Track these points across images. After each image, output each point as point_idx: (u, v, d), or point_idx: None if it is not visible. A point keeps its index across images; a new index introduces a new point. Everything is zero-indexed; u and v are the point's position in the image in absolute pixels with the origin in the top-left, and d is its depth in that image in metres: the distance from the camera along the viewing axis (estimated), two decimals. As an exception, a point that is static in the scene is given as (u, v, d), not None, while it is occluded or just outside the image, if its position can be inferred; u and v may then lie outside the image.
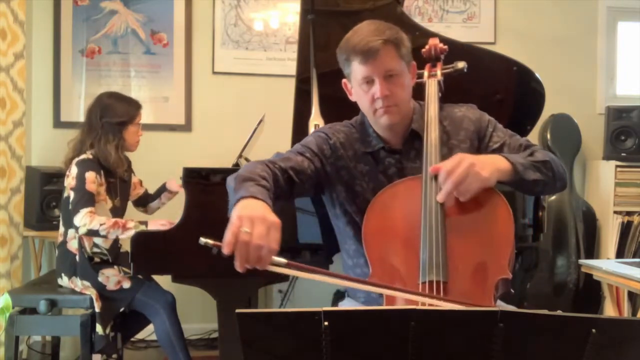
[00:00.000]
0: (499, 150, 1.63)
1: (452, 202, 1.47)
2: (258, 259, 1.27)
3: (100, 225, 2.50)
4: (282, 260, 1.29)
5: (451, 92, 1.79)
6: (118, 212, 2.73)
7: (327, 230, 2.17)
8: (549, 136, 3.87)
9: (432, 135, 1.60)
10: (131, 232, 2.47)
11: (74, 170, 2.60)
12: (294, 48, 3.52)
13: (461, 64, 1.84)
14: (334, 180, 1.65)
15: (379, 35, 1.54)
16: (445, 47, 1.84)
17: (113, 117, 2.69)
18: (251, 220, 1.27)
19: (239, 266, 1.27)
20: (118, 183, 2.76)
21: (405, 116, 1.64)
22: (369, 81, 1.57)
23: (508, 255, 1.44)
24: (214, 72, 3.81)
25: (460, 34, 3.87)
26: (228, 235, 1.26)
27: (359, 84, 1.59)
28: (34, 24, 3.61)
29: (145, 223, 2.53)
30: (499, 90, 2.54)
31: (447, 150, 1.62)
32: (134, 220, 2.57)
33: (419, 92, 1.74)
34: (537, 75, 2.67)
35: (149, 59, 3.75)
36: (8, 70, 3.23)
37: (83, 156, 2.64)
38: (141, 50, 3.75)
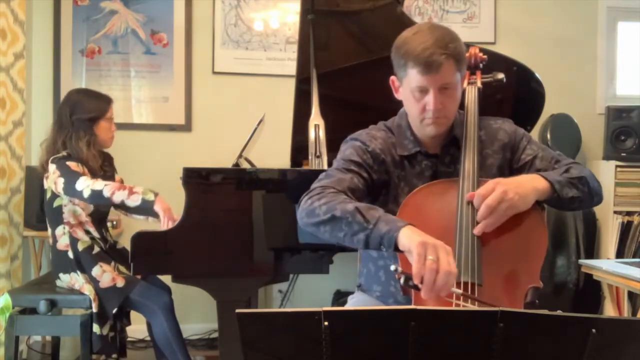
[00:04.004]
0: (530, 163, 1.64)
1: None
2: (444, 285, 1.29)
3: (105, 185, 2.46)
4: (459, 290, 1.32)
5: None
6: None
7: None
8: (549, 136, 3.86)
9: (470, 142, 1.61)
10: (138, 198, 2.44)
11: (52, 167, 2.58)
12: (294, 48, 3.52)
13: (500, 75, 1.86)
14: (379, 186, 1.66)
15: (443, 49, 1.51)
16: (485, 56, 1.85)
17: (83, 113, 2.64)
18: (435, 248, 1.30)
19: (426, 293, 1.30)
20: (100, 179, 2.69)
21: (449, 126, 1.66)
22: (423, 90, 1.56)
23: (540, 264, 1.46)
24: (214, 72, 3.81)
25: (460, 34, 3.82)
26: (417, 265, 1.29)
27: (411, 90, 1.57)
28: (34, 24, 3.61)
29: (155, 194, 2.46)
30: (499, 90, 2.53)
31: (481, 158, 1.63)
32: (142, 188, 2.52)
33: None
34: (537, 75, 2.67)
35: (149, 59, 3.75)
36: (8, 70, 3.23)
37: (58, 155, 2.61)
38: (141, 50, 3.74)
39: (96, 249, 2.66)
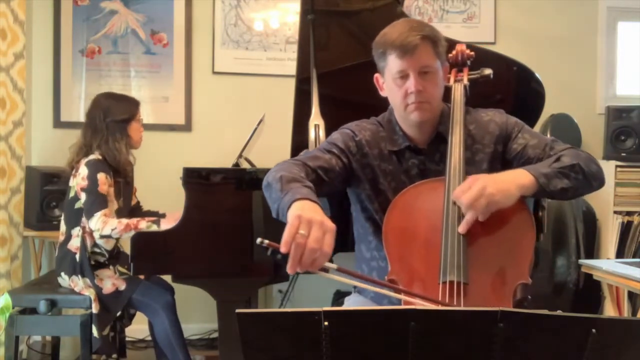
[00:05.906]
0: (521, 153, 1.63)
1: None
2: (311, 263, 1.28)
3: (112, 230, 2.50)
4: (333, 265, 1.31)
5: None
6: (121, 214, 2.70)
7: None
8: (548, 136, 3.86)
9: (455, 139, 1.60)
10: None
11: (83, 170, 2.59)
12: (294, 48, 3.52)
13: (487, 71, 1.86)
14: (360, 177, 1.66)
15: (418, 31, 1.55)
16: (472, 53, 1.86)
17: (116, 115, 2.70)
18: (309, 223, 1.28)
19: (290, 268, 1.28)
20: (122, 184, 2.74)
21: (434, 116, 1.65)
22: (404, 76, 1.58)
23: (528, 261, 1.45)
24: (214, 72, 3.81)
25: (460, 34, 3.87)
26: (285, 236, 1.27)
27: (393, 78, 1.60)
28: (34, 24, 3.61)
29: (157, 222, 2.52)
30: (499, 90, 2.53)
31: (470, 154, 1.63)
32: (145, 220, 2.56)
33: (445, 95, 1.75)
34: (537, 75, 2.66)
35: (149, 59, 3.75)
36: (8, 70, 3.23)
37: (92, 157, 2.62)
38: (141, 50, 3.75)
39: (92, 262, 2.67)
